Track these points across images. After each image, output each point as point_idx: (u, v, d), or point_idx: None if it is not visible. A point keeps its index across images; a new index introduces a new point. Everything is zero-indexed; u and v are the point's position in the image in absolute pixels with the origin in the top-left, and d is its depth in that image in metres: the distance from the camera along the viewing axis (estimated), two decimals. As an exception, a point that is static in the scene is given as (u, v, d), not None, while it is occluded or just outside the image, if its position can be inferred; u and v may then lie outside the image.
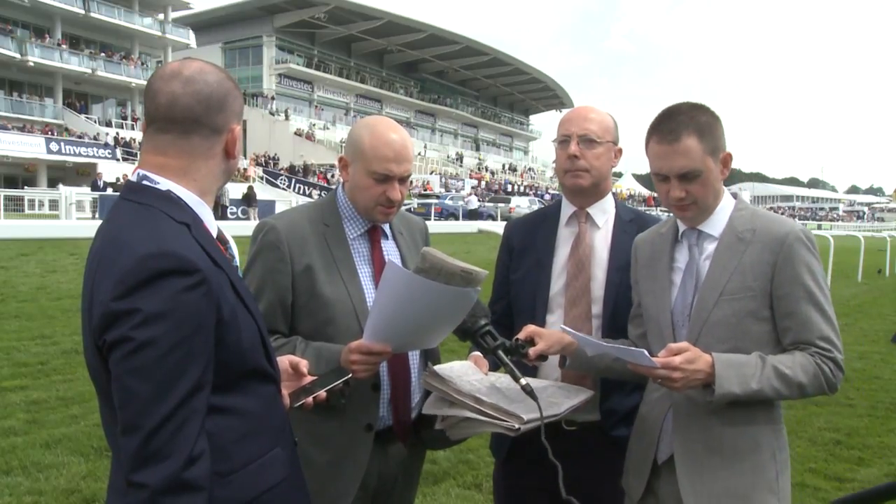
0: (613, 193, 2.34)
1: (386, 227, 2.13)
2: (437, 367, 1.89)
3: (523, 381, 1.72)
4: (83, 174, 34.91)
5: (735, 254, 1.79)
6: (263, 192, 33.31)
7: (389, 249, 2.12)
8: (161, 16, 48.01)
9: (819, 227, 48.95)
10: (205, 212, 1.37)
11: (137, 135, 40.62)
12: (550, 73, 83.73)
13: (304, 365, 1.65)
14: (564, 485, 1.56)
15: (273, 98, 55.73)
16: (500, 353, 1.78)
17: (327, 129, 56.25)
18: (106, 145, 38.82)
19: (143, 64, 46.01)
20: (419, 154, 56.30)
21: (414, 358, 2.07)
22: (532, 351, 1.87)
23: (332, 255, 2.00)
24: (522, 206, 35.51)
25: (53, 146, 36.82)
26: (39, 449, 4.42)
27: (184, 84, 1.33)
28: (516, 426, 1.71)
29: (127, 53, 45.92)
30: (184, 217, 1.29)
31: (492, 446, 2.39)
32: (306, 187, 39.72)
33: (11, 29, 39.61)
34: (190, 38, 49.67)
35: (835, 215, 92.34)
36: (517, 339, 1.87)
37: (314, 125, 55.71)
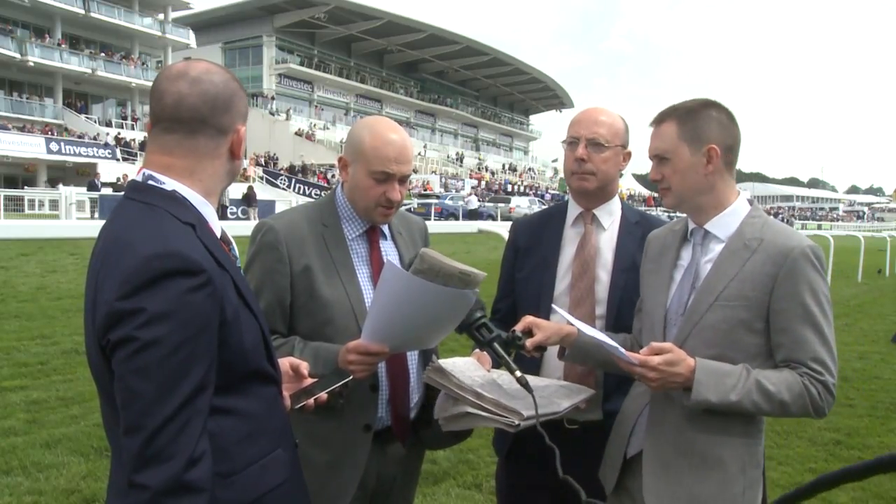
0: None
1: (385, 228, 2.13)
2: (440, 362, 1.89)
3: (518, 372, 1.73)
4: (83, 174, 34.88)
5: (738, 260, 1.76)
6: (263, 192, 33.30)
7: (388, 250, 2.12)
8: (161, 16, 47.99)
9: (819, 227, 48.92)
10: (209, 212, 1.37)
11: (137, 135, 40.66)
12: (550, 73, 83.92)
13: (304, 367, 1.65)
14: (561, 467, 1.55)
15: (273, 98, 55.71)
16: (496, 345, 1.78)
17: (327, 129, 56.24)
18: (106, 145, 38.80)
19: (143, 64, 46.00)
20: (419, 154, 56.29)
21: (412, 358, 2.07)
22: (529, 342, 1.87)
23: (331, 255, 2.00)
24: (522, 206, 35.51)
25: (53, 146, 36.81)
26: (39, 449, 4.41)
27: (190, 84, 1.33)
28: (515, 422, 1.72)
29: (127, 53, 45.91)
30: (189, 217, 1.29)
31: (494, 444, 2.40)
32: (306, 187, 39.71)
33: (11, 29, 39.60)
34: (190, 38, 49.65)
35: (835, 215, 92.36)
36: (514, 331, 1.87)
37: (314, 125, 55.69)
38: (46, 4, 39.81)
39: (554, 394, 1.91)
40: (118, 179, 28.19)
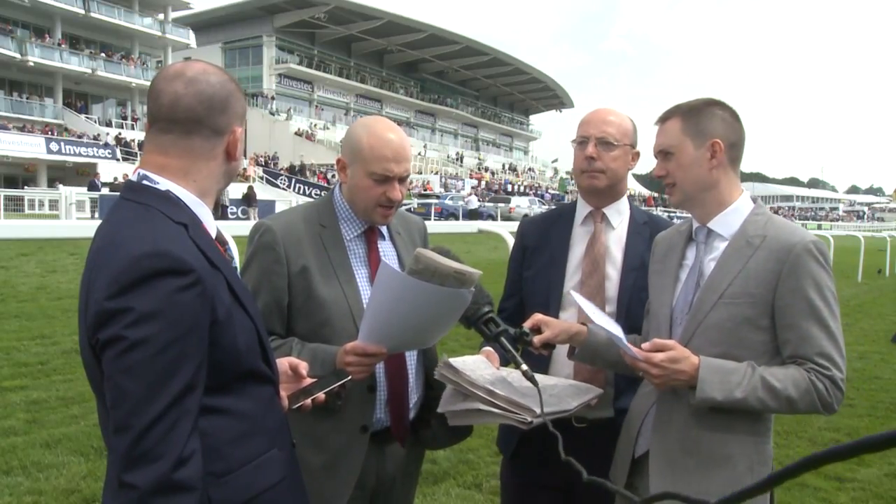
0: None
1: (383, 228, 2.12)
2: (450, 360, 1.89)
3: (524, 366, 1.72)
4: (83, 174, 34.87)
5: (741, 258, 1.75)
6: (263, 192, 33.29)
7: (386, 250, 2.12)
8: (161, 16, 47.97)
9: (819, 227, 48.89)
10: (204, 212, 1.37)
11: (137, 135, 40.63)
12: (550, 73, 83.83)
13: (303, 367, 1.65)
14: (564, 451, 1.55)
15: (273, 98, 55.70)
16: (503, 339, 1.78)
17: (327, 129, 56.22)
18: (106, 145, 38.79)
19: (143, 64, 45.99)
20: (419, 154, 56.29)
21: (411, 359, 2.07)
22: (537, 339, 1.87)
23: (329, 256, 1.99)
24: (522, 206, 35.48)
25: (53, 146, 36.79)
26: (39, 449, 4.41)
27: (186, 84, 1.34)
28: (528, 419, 1.72)
29: (127, 53, 45.90)
30: (182, 217, 1.29)
31: (498, 443, 2.40)
32: (306, 187, 39.70)
33: (11, 29, 39.58)
34: (190, 38, 49.64)
35: (835, 215, 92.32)
36: (522, 327, 1.87)
37: (314, 125, 55.67)
38: (46, 4, 39.79)
39: (563, 392, 1.91)
40: (115, 179, 28.16)
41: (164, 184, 1.33)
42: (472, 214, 33.20)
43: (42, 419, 4.98)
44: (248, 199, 27.51)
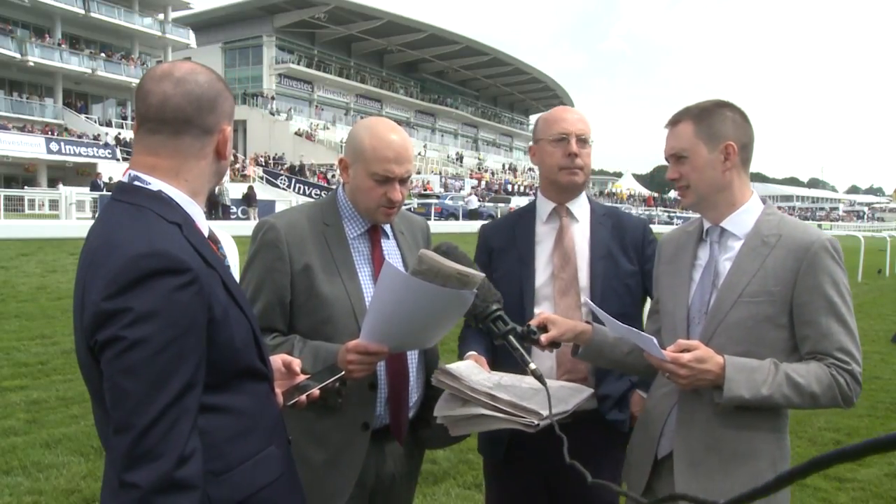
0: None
1: (387, 227, 2.13)
2: (447, 366, 1.90)
3: (532, 365, 1.73)
4: (83, 174, 34.88)
5: (758, 257, 1.78)
6: (263, 192, 33.29)
7: (390, 249, 2.12)
8: (161, 16, 47.98)
9: (819, 227, 48.65)
10: (196, 212, 1.38)
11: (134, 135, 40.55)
12: (550, 73, 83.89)
13: (296, 364, 1.65)
14: (568, 454, 1.56)
15: (273, 98, 55.70)
16: (511, 337, 1.79)
17: (327, 129, 56.23)
18: (106, 145, 38.79)
19: (143, 64, 45.98)
20: (419, 154, 56.29)
21: (412, 357, 2.07)
22: (544, 337, 1.89)
23: (332, 254, 2.00)
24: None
25: (53, 146, 36.79)
26: (39, 449, 4.42)
27: (175, 84, 1.34)
28: (535, 422, 1.73)
29: (127, 53, 45.91)
30: (175, 217, 1.30)
31: (481, 448, 2.40)
32: (306, 187, 39.70)
33: (11, 29, 39.58)
34: (190, 38, 49.65)
35: (835, 215, 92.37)
36: (529, 325, 1.88)
37: (315, 125, 55.67)
38: (46, 4, 39.80)
39: (558, 393, 1.91)
40: (110, 179, 28.16)
41: (155, 184, 1.33)
42: (472, 214, 33.23)
43: (42, 419, 4.98)
44: (248, 199, 27.53)
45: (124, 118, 45.02)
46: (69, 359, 6.54)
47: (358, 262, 2.04)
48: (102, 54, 43.75)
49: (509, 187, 54.66)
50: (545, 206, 2.34)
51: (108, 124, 43.26)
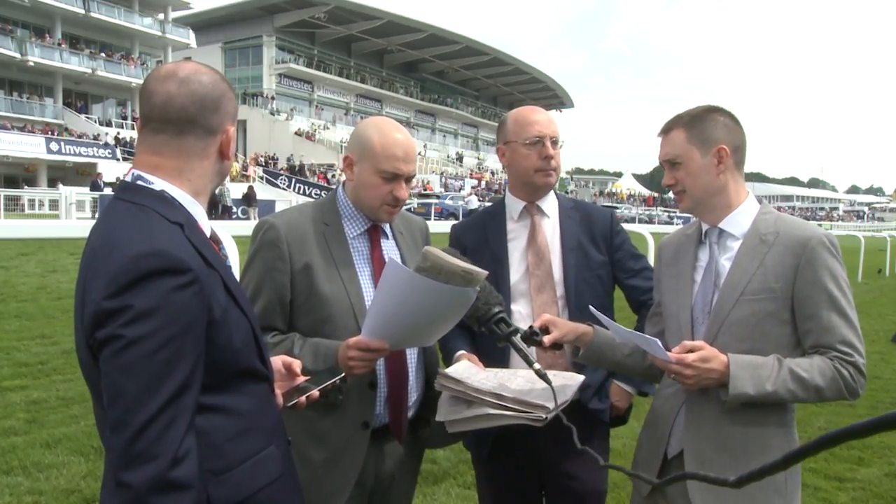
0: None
1: (386, 227, 2.14)
2: (446, 370, 1.91)
3: (537, 365, 1.75)
4: (83, 174, 34.90)
5: (757, 255, 1.80)
6: (263, 192, 33.31)
7: (389, 249, 2.13)
8: (161, 16, 47.99)
9: (819, 227, 48.52)
10: (198, 212, 1.38)
11: (137, 135, 40.57)
12: (550, 73, 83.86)
13: (296, 365, 1.65)
14: (554, 443, 1.58)
15: (273, 98, 55.70)
16: (514, 339, 1.80)
17: (327, 129, 56.22)
18: (106, 145, 38.81)
19: (143, 64, 45.99)
20: (419, 154, 56.29)
21: (411, 357, 2.08)
22: (547, 339, 1.91)
23: (332, 253, 2.00)
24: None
25: (53, 146, 36.81)
26: (39, 449, 4.42)
27: (179, 84, 1.34)
28: (543, 416, 1.74)
29: (127, 53, 45.92)
30: (177, 217, 1.30)
31: (467, 444, 2.43)
32: (306, 187, 39.71)
33: (11, 29, 39.60)
34: (190, 38, 49.65)
35: (835, 215, 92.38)
36: (531, 327, 1.91)
37: (315, 125, 55.66)
38: (46, 4, 39.81)
39: (555, 382, 1.93)
40: (117, 179, 28.17)
41: (158, 184, 1.33)
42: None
43: (42, 419, 4.98)
44: (248, 198, 27.53)
45: (124, 118, 45.03)
46: (69, 359, 6.54)
47: (357, 262, 2.04)
48: (102, 54, 43.76)
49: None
50: (515, 205, 2.37)
51: (108, 124, 43.27)
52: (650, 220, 46.65)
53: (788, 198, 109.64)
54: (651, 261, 2.50)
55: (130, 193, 1.32)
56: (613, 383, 2.36)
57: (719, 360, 1.72)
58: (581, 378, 2.00)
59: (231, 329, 1.30)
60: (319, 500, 1.92)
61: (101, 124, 42.43)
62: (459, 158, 66.89)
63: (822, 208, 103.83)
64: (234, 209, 27.04)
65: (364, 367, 1.81)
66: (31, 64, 39.27)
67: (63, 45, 41.47)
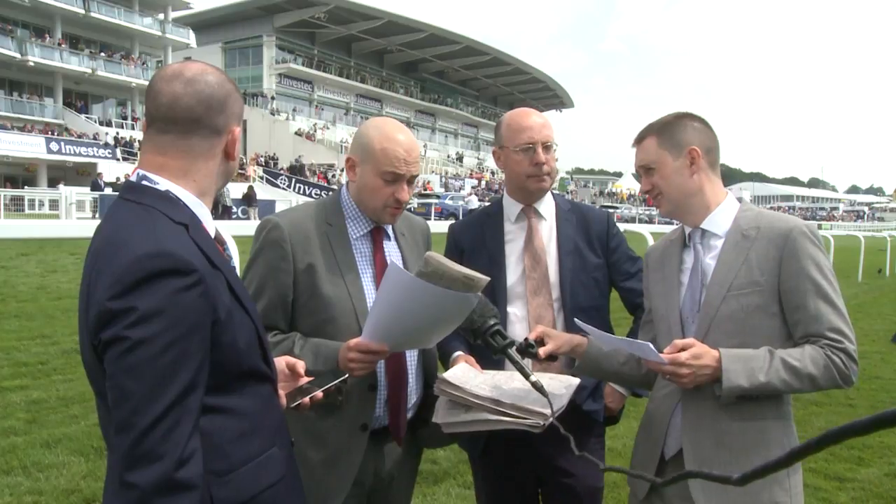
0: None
1: (388, 228, 2.14)
2: (445, 375, 1.91)
3: (533, 377, 1.75)
4: (83, 174, 34.93)
5: (741, 250, 1.82)
6: (263, 192, 33.32)
7: (391, 250, 2.13)
8: (161, 16, 48.00)
9: (819, 227, 48.93)
10: (203, 212, 1.37)
11: (137, 134, 40.64)
12: (550, 73, 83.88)
13: (300, 366, 1.65)
14: (550, 444, 1.59)
15: (273, 98, 55.69)
16: (511, 352, 1.80)
17: (327, 129, 56.22)
18: (106, 145, 38.81)
19: (143, 64, 46.01)
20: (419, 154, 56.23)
21: (411, 358, 2.08)
22: (542, 350, 1.92)
23: (335, 254, 2.00)
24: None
25: (53, 146, 36.82)
26: (39, 449, 4.42)
27: (185, 84, 1.34)
28: (541, 422, 1.75)
29: (127, 53, 45.91)
30: (182, 217, 1.30)
31: (462, 443, 2.43)
32: (306, 187, 39.71)
33: (11, 29, 39.61)
34: (190, 38, 49.69)
35: (835, 215, 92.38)
36: (526, 339, 1.91)
37: (316, 125, 55.66)
38: (46, 4, 39.81)
39: (551, 385, 1.93)
40: (117, 179, 28.18)
41: (163, 184, 1.33)
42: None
43: (42, 419, 4.99)
44: (248, 198, 27.54)
45: (124, 118, 45.04)
46: (69, 359, 6.55)
47: (360, 264, 2.04)
48: (102, 54, 43.77)
49: (509, 187, 54.53)
50: (513, 208, 2.37)
51: (108, 124, 43.27)
52: (650, 221, 46.67)
53: (788, 198, 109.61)
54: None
55: (135, 193, 1.32)
56: (607, 384, 2.37)
57: (711, 356, 1.73)
58: (576, 381, 2.01)
59: (235, 330, 1.30)
60: (316, 500, 1.92)
61: (101, 124, 42.43)
62: (459, 158, 66.90)
63: (822, 208, 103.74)
64: (234, 209, 27.04)
65: (364, 368, 1.82)
66: (31, 64, 39.28)
67: (63, 45, 41.47)
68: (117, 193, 1.46)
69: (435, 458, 4.42)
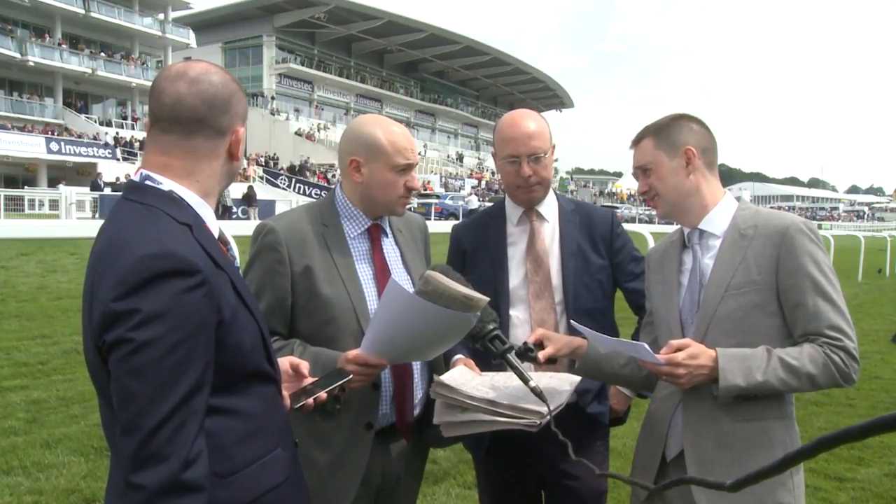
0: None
1: (386, 226, 2.15)
2: (441, 378, 1.92)
3: (532, 382, 1.75)
4: (83, 174, 34.91)
5: (739, 249, 1.81)
6: (263, 192, 33.29)
7: (389, 247, 2.14)
8: (161, 16, 47.98)
9: (819, 227, 48.52)
10: (207, 213, 1.37)
11: (137, 135, 40.65)
12: (550, 73, 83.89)
13: (304, 366, 1.65)
14: (580, 444, 1.60)
15: (273, 98, 55.68)
16: (510, 356, 1.80)
17: (327, 128, 56.20)
18: (106, 145, 38.80)
19: (143, 64, 45.99)
20: (419, 154, 56.23)
21: (415, 358, 2.08)
22: (542, 354, 1.92)
23: (332, 255, 2.00)
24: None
25: (53, 146, 36.81)
26: (39, 449, 4.42)
27: (189, 84, 1.33)
28: (538, 421, 1.75)
29: (127, 53, 45.90)
30: (186, 218, 1.29)
31: (466, 443, 2.44)
32: (306, 187, 39.69)
33: (11, 29, 39.59)
34: (190, 38, 49.66)
35: (835, 215, 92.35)
36: (526, 343, 1.91)
37: (317, 125, 55.63)
38: (46, 4, 39.80)
39: (549, 384, 1.93)
40: (117, 179, 28.17)
41: (167, 184, 1.32)
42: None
43: (42, 419, 4.99)
44: (249, 199, 27.52)
45: (124, 118, 45.02)
46: (69, 359, 6.55)
47: (358, 262, 2.04)
48: (102, 54, 43.75)
49: (509, 187, 54.50)
50: (515, 210, 2.35)
51: (108, 124, 43.25)
52: (650, 221, 46.62)
53: (788, 198, 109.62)
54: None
55: (139, 194, 1.31)
56: (612, 386, 2.36)
57: (707, 355, 1.72)
58: (576, 379, 2.01)
59: (240, 330, 1.30)
60: (325, 503, 1.92)
61: (101, 124, 42.41)
62: (459, 158, 66.90)
63: (822, 208, 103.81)
64: (234, 209, 27.03)
65: (363, 380, 1.82)
66: (31, 64, 39.26)
67: (63, 45, 41.45)
68: (117, 193, 1.45)
69: (435, 458, 4.41)
